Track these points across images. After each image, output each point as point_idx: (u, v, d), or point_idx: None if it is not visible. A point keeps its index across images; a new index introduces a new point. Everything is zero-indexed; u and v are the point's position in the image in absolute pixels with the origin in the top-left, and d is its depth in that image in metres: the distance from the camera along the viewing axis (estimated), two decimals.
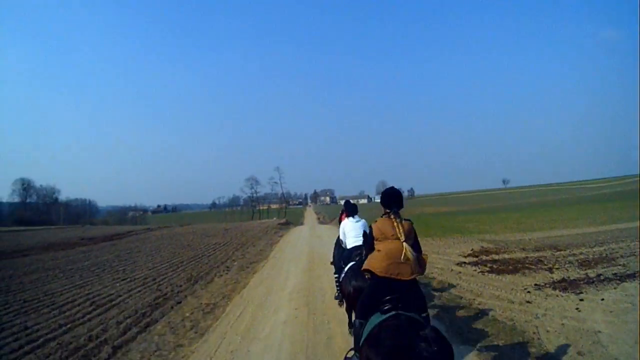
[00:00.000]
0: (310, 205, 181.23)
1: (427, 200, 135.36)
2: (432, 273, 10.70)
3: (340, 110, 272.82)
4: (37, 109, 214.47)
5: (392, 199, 3.90)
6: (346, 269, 5.81)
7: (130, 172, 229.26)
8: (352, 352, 3.78)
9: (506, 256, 12.44)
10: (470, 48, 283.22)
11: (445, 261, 12.74)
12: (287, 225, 43.08)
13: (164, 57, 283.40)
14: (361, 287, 4.83)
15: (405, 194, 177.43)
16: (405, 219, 3.84)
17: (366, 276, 4.01)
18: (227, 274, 13.10)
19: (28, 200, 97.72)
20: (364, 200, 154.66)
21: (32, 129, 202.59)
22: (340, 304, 7.27)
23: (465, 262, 12.06)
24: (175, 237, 30.25)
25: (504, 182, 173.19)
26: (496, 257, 12.48)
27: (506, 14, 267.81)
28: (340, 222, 8.04)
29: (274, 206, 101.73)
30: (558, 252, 12.40)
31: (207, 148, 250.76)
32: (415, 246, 3.81)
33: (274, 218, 64.41)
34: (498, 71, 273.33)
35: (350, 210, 7.07)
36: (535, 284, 8.49)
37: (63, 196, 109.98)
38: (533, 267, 10.47)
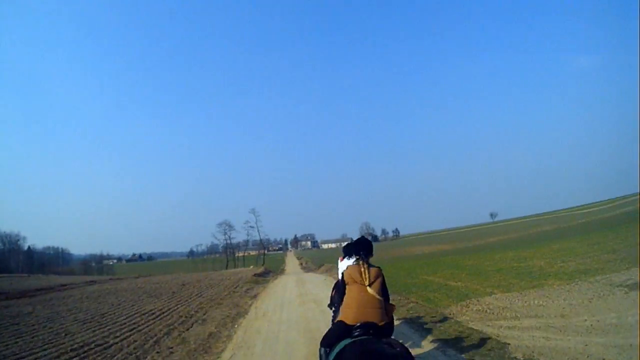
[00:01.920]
0: (290, 250, 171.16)
1: (416, 239, 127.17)
2: None
3: (319, 153, 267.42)
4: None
5: (360, 247, 4.14)
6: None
7: (109, 220, 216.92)
8: None
9: None
10: (451, 83, 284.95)
11: None
12: (266, 275, 33.54)
13: (141, 106, 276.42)
14: None
15: (390, 234, 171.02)
16: (373, 266, 3.98)
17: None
18: None
19: None
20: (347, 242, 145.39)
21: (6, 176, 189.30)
22: None
23: None
24: (105, 296, 20.74)
25: (491, 215, 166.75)
26: None
27: (489, 48, 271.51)
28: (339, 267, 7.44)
29: (252, 253, 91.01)
30: None
31: (185, 196, 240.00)
32: (383, 292, 3.86)
33: (251, 266, 54.37)
34: (480, 106, 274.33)
35: (350, 251, 5.89)
36: None
37: (38, 244, 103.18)
38: None
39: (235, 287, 21.31)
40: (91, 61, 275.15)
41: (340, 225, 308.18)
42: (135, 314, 13.76)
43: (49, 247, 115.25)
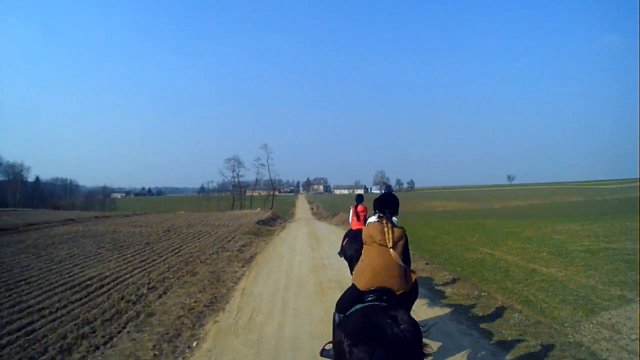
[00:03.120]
0: (302, 193, 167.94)
1: (432, 193, 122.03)
2: None
3: (337, 98, 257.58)
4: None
5: (385, 204, 3.63)
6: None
7: (123, 153, 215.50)
8: (330, 345, 3.05)
9: None
10: (478, 48, 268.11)
11: None
12: (272, 223, 28.75)
13: (158, 44, 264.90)
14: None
15: (404, 186, 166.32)
16: (397, 227, 3.50)
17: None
18: None
19: None
20: (360, 191, 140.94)
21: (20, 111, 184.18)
22: None
23: None
24: (62, 244, 16.17)
25: (509, 178, 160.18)
26: None
27: (511, 19, 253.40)
28: (350, 216, 7.88)
29: (263, 193, 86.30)
30: None
31: (200, 132, 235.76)
32: (405, 257, 3.46)
33: (258, 209, 49.89)
34: (504, 71, 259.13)
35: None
36: None
37: (46, 175, 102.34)
38: None
39: (229, 240, 16.54)
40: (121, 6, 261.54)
41: (354, 171, 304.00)
42: (62, 285, 9.03)
43: (57, 179, 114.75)
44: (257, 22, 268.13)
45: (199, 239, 17.31)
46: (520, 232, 16.64)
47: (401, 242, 3.39)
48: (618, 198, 61.28)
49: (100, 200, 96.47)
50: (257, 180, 73.67)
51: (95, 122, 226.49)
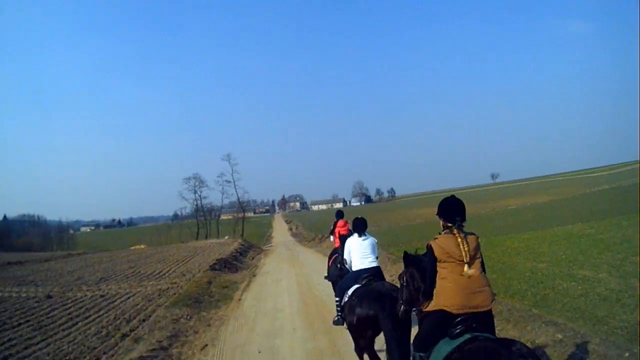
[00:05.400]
0: (278, 212, 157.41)
1: (415, 200, 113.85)
2: None
3: (308, 107, 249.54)
4: None
5: (455, 211, 2.85)
6: (350, 291, 4.31)
7: (97, 184, 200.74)
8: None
9: None
10: (454, 46, 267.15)
11: None
12: (238, 262, 19.39)
13: (122, 64, 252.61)
14: (368, 315, 3.72)
15: (385, 195, 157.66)
16: (469, 233, 2.80)
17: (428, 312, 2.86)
18: None
19: None
20: (339, 204, 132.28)
21: None
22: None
23: None
24: None
25: (492, 176, 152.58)
26: None
27: (486, 14, 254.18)
28: (332, 233, 7.27)
29: (238, 215, 73.27)
30: None
31: (167, 153, 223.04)
32: (482, 265, 2.83)
33: (226, 237, 40.55)
34: (480, 67, 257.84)
35: (359, 226, 4.90)
36: None
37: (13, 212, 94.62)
38: None
39: (135, 327, 7.67)
40: (71, 17, 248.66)
41: (330, 184, 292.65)
42: None
43: (24, 215, 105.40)
44: (221, 34, 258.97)
45: (77, 322, 8.39)
46: None
47: (479, 253, 2.77)
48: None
49: (57, 237, 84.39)
50: (223, 201, 60.34)
51: (63, 153, 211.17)
